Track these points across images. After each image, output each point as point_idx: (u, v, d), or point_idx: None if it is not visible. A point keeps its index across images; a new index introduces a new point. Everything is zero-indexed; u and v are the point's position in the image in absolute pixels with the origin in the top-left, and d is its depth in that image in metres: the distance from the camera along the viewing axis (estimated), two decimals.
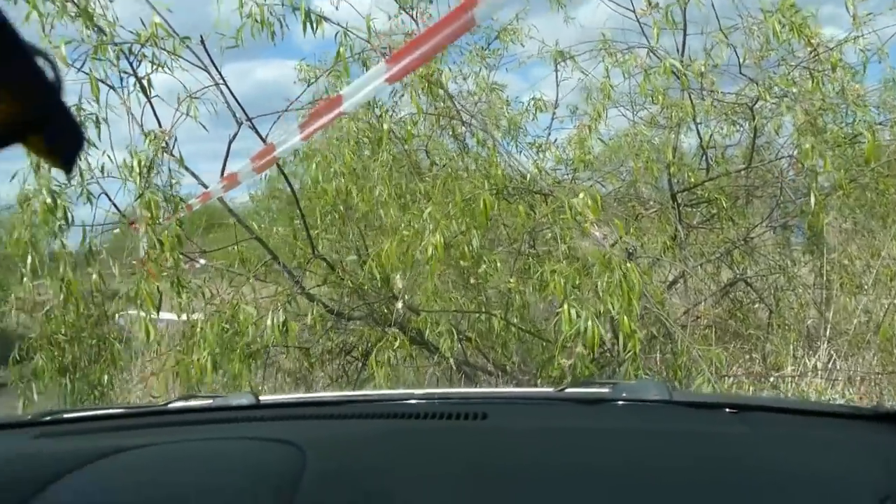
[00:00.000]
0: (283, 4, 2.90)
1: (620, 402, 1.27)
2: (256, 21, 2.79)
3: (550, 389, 1.70)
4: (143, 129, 2.80)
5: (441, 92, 3.29)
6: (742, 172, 4.23)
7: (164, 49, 2.60)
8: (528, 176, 3.55)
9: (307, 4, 2.88)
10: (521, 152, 3.91)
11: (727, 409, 1.22)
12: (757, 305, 4.38)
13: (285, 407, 1.43)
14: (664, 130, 4.07)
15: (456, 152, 3.64)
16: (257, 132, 2.99)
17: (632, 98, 4.10)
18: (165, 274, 2.86)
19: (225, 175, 2.71)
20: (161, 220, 2.80)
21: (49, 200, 2.49)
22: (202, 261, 3.39)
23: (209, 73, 2.86)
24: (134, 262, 3.10)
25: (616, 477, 0.92)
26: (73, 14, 2.61)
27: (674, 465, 0.97)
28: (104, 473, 0.97)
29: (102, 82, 2.73)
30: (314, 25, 2.94)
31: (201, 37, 2.68)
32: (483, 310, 3.34)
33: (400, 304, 2.96)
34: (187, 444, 1.14)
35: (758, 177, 4.31)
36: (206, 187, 2.89)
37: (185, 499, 0.89)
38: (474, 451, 1.06)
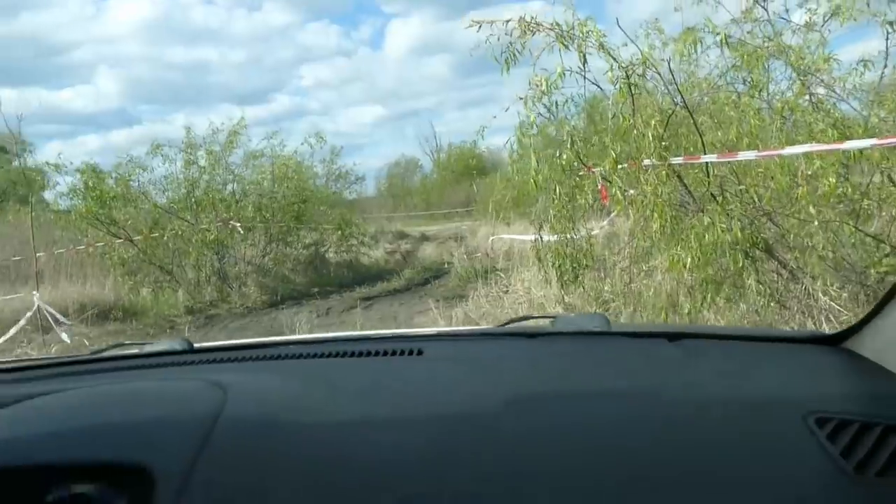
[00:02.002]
0: None
1: (559, 335, 1.29)
2: None
3: (490, 327, 1.75)
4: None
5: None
6: None
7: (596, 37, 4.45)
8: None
9: None
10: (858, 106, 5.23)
11: (665, 339, 1.23)
12: None
13: (218, 351, 1.41)
14: None
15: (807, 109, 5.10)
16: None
17: None
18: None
19: (729, 151, 4.63)
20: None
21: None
22: (632, 191, 5.36)
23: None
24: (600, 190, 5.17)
25: (545, 407, 0.92)
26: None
27: (604, 392, 0.98)
28: (18, 416, 0.97)
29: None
30: None
31: (617, 19, 4.55)
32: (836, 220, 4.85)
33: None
34: (108, 387, 1.14)
35: None
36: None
37: (97, 436, 0.88)
38: (407, 387, 1.03)
